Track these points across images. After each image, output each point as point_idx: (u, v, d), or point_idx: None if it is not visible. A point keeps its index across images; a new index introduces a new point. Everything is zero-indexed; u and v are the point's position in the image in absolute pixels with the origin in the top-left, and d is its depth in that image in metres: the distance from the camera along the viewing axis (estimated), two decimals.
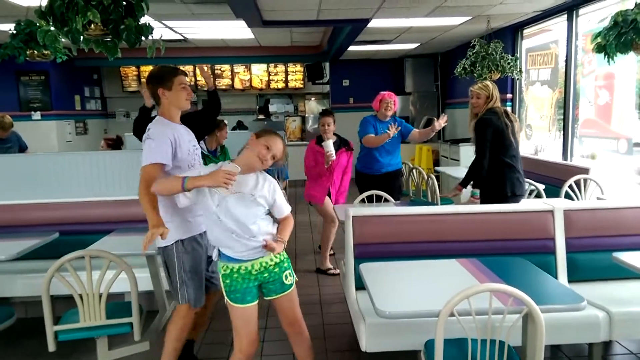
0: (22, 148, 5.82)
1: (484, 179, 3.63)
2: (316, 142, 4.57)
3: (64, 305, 2.78)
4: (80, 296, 2.48)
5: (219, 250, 2.36)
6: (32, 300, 3.50)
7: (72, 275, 2.45)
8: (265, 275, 2.36)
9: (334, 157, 4.38)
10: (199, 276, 2.65)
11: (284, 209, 2.43)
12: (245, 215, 2.27)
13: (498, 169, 3.59)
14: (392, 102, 4.56)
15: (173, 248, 2.58)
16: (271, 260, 2.36)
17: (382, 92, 4.65)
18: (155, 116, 2.79)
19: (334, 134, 4.56)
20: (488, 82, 3.75)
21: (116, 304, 2.74)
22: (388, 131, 4.34)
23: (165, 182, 2.32)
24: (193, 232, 2.63)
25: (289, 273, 2.43)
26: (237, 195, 2.25)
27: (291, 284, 2.43)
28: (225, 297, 2.36)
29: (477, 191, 3.66)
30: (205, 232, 2.63)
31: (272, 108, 10.48)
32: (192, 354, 2.99)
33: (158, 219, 2.42)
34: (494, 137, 3.56)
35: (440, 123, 4.36)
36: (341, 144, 4.58)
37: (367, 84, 9.86)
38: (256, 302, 2.38)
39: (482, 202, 3.63)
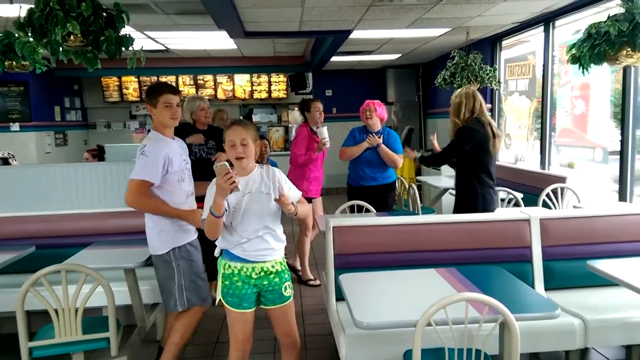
0: None
1: (457, 192, 3.64)
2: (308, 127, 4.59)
3: (42, 320, 2.74)
4: (56, 311, 2.44)
5: (221, 249, 2.40)
6: (7, 315, 3.43)
7: (48, 290, 2.41)
8: (265, 283, 2.38)
9: (329, 145, 4.41)
10: (200, 277, 2.80)
11: (293, 193, 2.45)
12: (261, 211, 2.34)
13: (472, 184, 3.54)
14: (373, 110, 4.40)
15: (170, 255, 2.71)
16: (272, 267, 2.39)
17: (366, 101, 4.55)
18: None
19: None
20: (462, 91, 3.64)
21: (93, 319, 2.70)
22: (368, 140, 4.30)
23: (209, 227, 2.28)
24: (187, 240, 2.79)
25: (289, 285, 2.46)
26: (248, 196, 2.33)
27: (289, 296, 2.46)
28: (220, 298, 2.38)
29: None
30: (196, 238, 2.85)
31: (255, 118, 10.47)
32: None
33: (187, 212, 2.74)
34: (473, 149, 3.49)
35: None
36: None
37: (350, 94, 9.93)
38: (253, 309, 2.42)
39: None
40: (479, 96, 3.62)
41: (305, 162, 4.54)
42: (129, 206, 2.68)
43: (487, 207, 3.56)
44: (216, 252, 2.44)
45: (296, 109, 10.56)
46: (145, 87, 9.87)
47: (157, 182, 2.65)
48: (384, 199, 4.46)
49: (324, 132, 4.34)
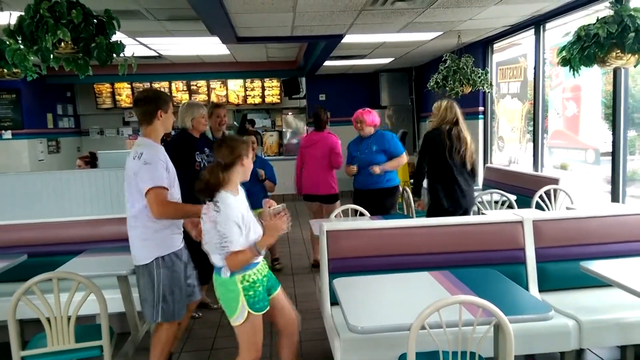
0: None
1: (428, 192, 4.15)
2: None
3: (34, 328, 2.72)
4: (49, 320, 2.42)
5: None
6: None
7: (40, 298, 2.39)
8: (265, 271, 2.53)
9: None
10: (179, 289, 2.76)
11: None
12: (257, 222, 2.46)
13: (433, 184, 4.07)
14: (363, 122, 4.59)
15: (153, 265, 2.69)
16: (263, 259, 2.54)
17: (356, 111, 4.72)
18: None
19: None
20: (441, 103, 4.08)
21: (86, 327, 2.69)
22: (351, 166, 4.63)
23: (243, 258, 2.33)
24: (173, 249, 2.75)
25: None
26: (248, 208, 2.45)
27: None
28: (249, 311, 2.35)
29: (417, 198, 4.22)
30: (182, 247, 2.85)
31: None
32: None
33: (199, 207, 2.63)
34: (433, 152, 3.98)
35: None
36: None
37: (344, 98, 9.95)
38: None
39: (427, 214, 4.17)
40: (456, 108, 4.07)
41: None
42: (158, 218, 2.63)
43: (450, 206, 4.00)
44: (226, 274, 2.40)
45: (290, 113, 10.60)
46: None
47: (168, 186, 2.67)
48: (379, 202, 4.55)
49: None
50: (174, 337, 2.86)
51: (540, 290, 2.95)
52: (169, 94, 3.04)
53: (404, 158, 4.63)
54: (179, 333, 3.05)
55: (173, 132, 4.06)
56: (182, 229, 2.88)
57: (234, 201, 2.34)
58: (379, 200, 4.56)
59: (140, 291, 2.75)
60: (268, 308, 2.47)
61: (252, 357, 2.44)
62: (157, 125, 2.77)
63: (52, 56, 3.17)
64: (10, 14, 3.18)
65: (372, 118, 4.62)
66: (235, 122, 10.66)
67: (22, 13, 3.04)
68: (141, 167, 2.59)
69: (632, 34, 3.14)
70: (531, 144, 5.95)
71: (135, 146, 2.72)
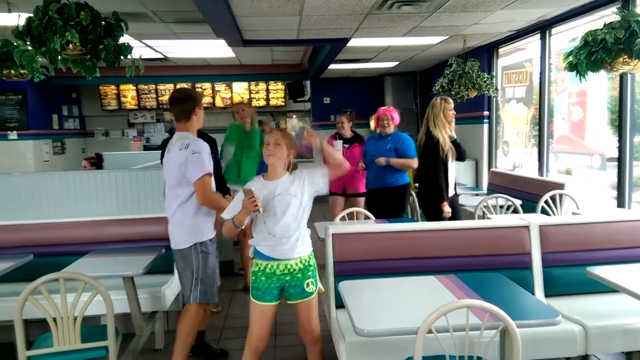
0: None
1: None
2: (334, 136, 5.31)
3: (40, 329, 2.72)
4: (55, 320, 2.43)
5: (254, 247, 2.56)
6: (5, 324, 3.40)
7: (46, 299, 2.39)
8: (288, 278, 2.52)
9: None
10: (213, 272, 2.96)
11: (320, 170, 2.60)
12: (289, 212, 2.48)
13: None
14: (390, 119, 4.65)
15: (192, 250, 2.87)
16: (296, 264, 2.52)
17: (380, 109, 4.80)
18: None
19: (352, 130, 5.26)
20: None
21: (91, 327, 2.69)
22: (362, 164, 4.75)
23: (228, 231, 2.54)
24: (208, 236, 2.94)
25: (312, 281, 2.58)
26: (278, 197, 2.48)
27: (312, 292, 2.58)
28: (250, 292, 2.58)
29: None
30: (215, 236, 3.02)
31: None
32: (204, 342, 3.35)
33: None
34: None
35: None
36: (356, 139, 5.21)
37: (348, 101, 9.94)
38: (275, 303, 2.56)
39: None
40: None
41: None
42: (202, 204, 2.84)
43: None
44: (250, 253, 2.59)
45: (294, 116, 10.63)
46: (143, 95, 9.92)
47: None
48: (389, 202, 4.59)
49: (337, 144, 5.07)
50: (199, 322, 2.99)
51: (546, 295, 2.94)
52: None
53: (415, 162, 4.48)
54: (206, 318, 3.25)
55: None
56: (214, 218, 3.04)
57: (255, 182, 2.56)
58: (389, 200, 4.58)
59: (180, 274, 2.94)
60: (269, 304, 2.52)
61: (251, 337, 2.54)
62: (194, 120, 2.97)
63: (60, 58, 3.19)
64: (19, 15, 3.21)
65: (398, 117, 4.75)
66: None
67: (31, 14, 3.06)
68: (189, 156, 2.77)
69: None
70: (536, 149, 5.94)
71: (177, 140, 2.89)
